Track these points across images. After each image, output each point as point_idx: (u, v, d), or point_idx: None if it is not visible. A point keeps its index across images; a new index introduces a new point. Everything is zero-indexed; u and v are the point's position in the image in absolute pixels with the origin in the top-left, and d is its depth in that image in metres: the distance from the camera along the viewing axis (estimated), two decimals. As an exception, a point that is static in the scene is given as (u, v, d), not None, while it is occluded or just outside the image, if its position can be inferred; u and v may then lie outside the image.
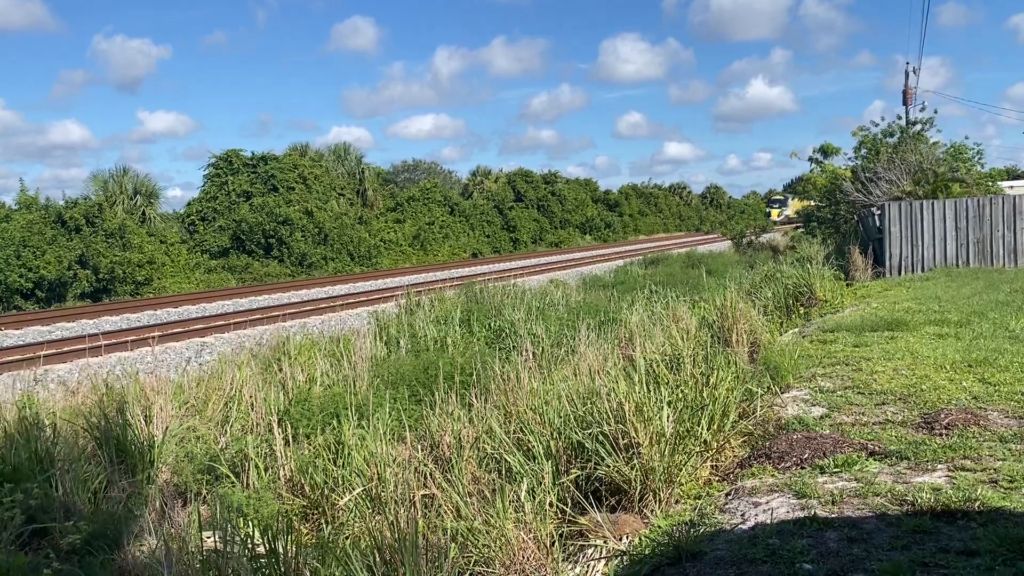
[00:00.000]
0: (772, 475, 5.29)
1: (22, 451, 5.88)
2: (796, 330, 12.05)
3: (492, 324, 12.43)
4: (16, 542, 4.82)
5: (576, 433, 5.50)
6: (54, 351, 13.48)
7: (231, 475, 6.33)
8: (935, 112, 35.81)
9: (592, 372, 6.64)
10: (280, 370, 9.55)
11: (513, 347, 9.99)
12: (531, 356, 8.53)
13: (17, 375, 11.46)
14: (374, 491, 5.50)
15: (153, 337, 13.95)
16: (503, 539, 4.21)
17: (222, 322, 17.20)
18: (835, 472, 5.14)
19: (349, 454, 6.25)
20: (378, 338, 11.43)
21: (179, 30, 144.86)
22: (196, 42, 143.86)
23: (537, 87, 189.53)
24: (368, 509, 5.35)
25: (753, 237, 39.10)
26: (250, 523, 5.12)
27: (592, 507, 4.85)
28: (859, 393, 7.19)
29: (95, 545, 5.07)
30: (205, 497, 6.20)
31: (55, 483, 5.55)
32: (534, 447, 5.46)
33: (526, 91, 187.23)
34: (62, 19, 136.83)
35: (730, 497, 5.03)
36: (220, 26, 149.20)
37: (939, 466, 5.10)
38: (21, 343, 15.33)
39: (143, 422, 6.85)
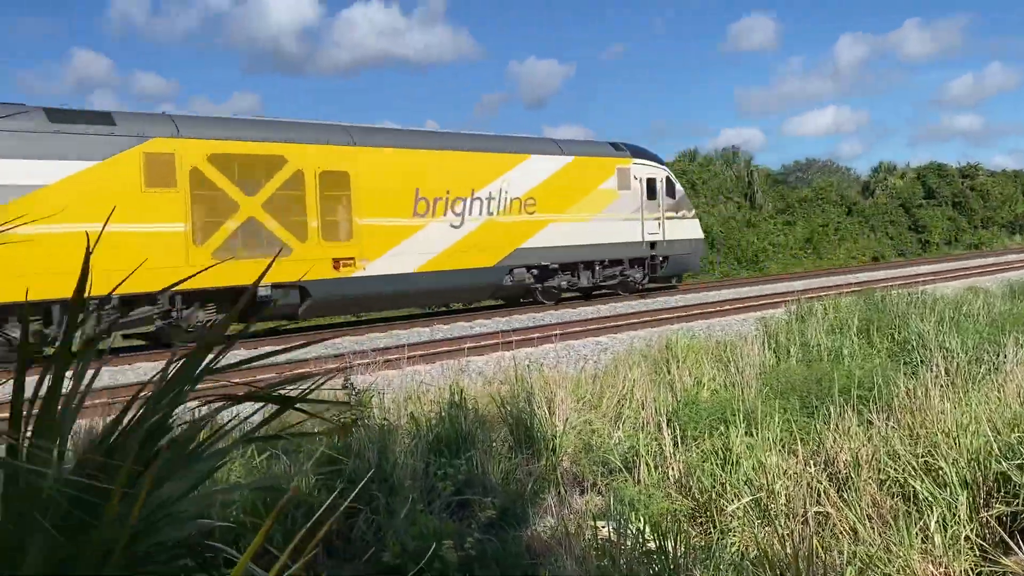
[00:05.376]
0: None
1: (451, 430, 6.84)
2: None
3: (895, 335, 11.39)
4: (447, 510, 5.63)
5: (1000, 463, 4.85)
6: (473, 344, 15.35)
7: (624, 469, 6.67)
8: None
9: (1022, 395, 5.78)
10: (668, 372, 9.79)
11: (920, 362, 9.06)
12: (943, 372, 7.67)
13: (444, 365, 13.26)
14: (763, 502, 5.41)
15: (555, 335, 15.19)
16: (908, 570, 3.88)
17: (613, 324, 18.14)
18: None
19: (737, 461, 6.21)
20: (766, 345, 11.14)
21: (577, 47, 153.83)
22: (596, 57, 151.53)
23: (956, 69, 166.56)
24: (757, 519, 5.28)
25: None
26: (640, 518, 5.36)
27: (1019, 548, 4.24)
28: None
29: (506, 520, 5.70)
30: (599, 488, 6.60)
31: (475, 461, 6.35)
32: (946, 474, 4.92)
33: (941, 74, 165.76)
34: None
35: None
36: (620, 39, 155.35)
37: None
38: (449, 336, 17.73)
39: (547, 412, 7.52)
